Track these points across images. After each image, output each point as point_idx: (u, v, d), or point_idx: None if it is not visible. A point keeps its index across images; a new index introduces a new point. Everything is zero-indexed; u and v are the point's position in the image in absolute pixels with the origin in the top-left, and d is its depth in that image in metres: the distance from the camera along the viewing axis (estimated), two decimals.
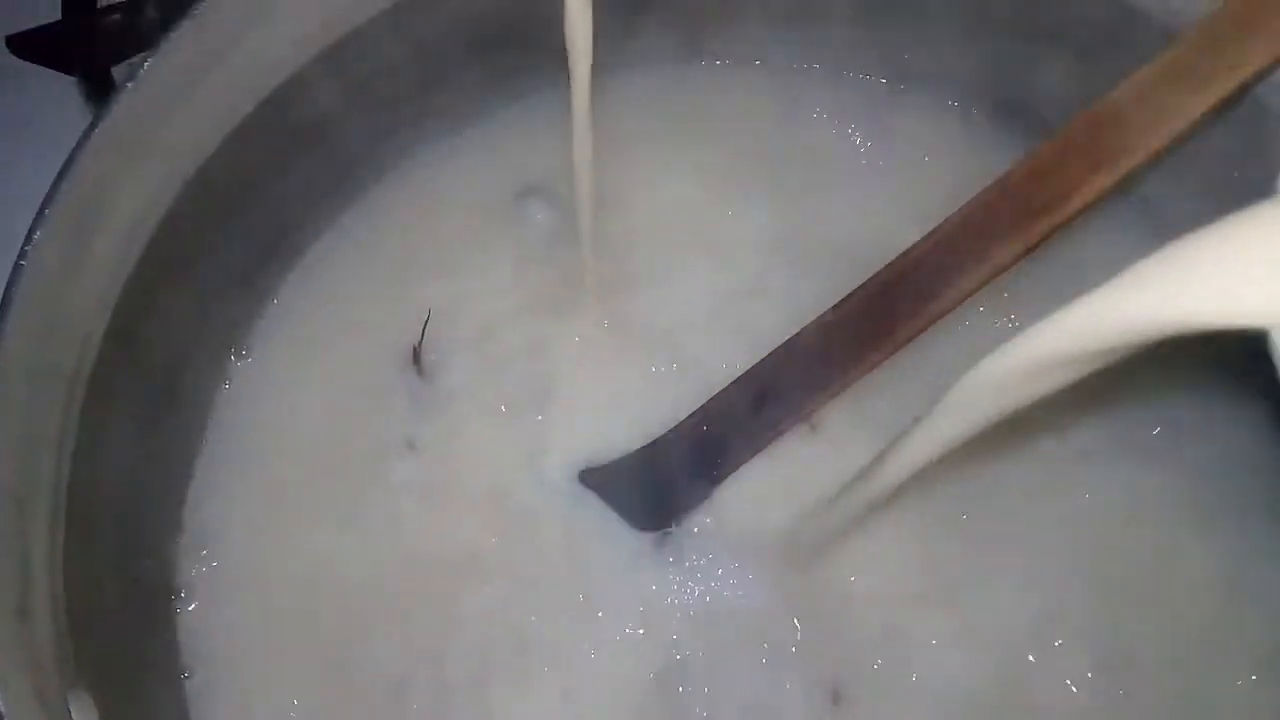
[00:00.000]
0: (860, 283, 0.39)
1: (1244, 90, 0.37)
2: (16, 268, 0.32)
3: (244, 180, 0.41)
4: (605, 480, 0.42)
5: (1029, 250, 0.37)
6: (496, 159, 0.48)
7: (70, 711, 0.31)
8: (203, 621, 0.41)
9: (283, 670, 0.40)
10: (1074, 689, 0.39)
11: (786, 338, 0.40)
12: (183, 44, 0.36)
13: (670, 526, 0.42)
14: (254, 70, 0.39)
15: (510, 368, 0.45)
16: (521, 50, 0.45)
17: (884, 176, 0.47)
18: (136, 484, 0.39)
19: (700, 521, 0.42)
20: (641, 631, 0.41)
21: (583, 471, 0.43)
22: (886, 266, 0.39)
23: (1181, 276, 0.24)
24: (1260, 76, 0.37)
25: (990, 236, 0.38)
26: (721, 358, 0.43)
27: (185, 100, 0.37)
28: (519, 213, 0.48)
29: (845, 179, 0.47)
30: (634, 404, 0.43)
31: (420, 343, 0.45)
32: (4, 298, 0.32)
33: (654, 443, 0.42)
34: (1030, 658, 0.40)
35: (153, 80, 0.36)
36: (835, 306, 0.40)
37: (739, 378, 0.41)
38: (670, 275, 0.46)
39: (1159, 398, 0.43)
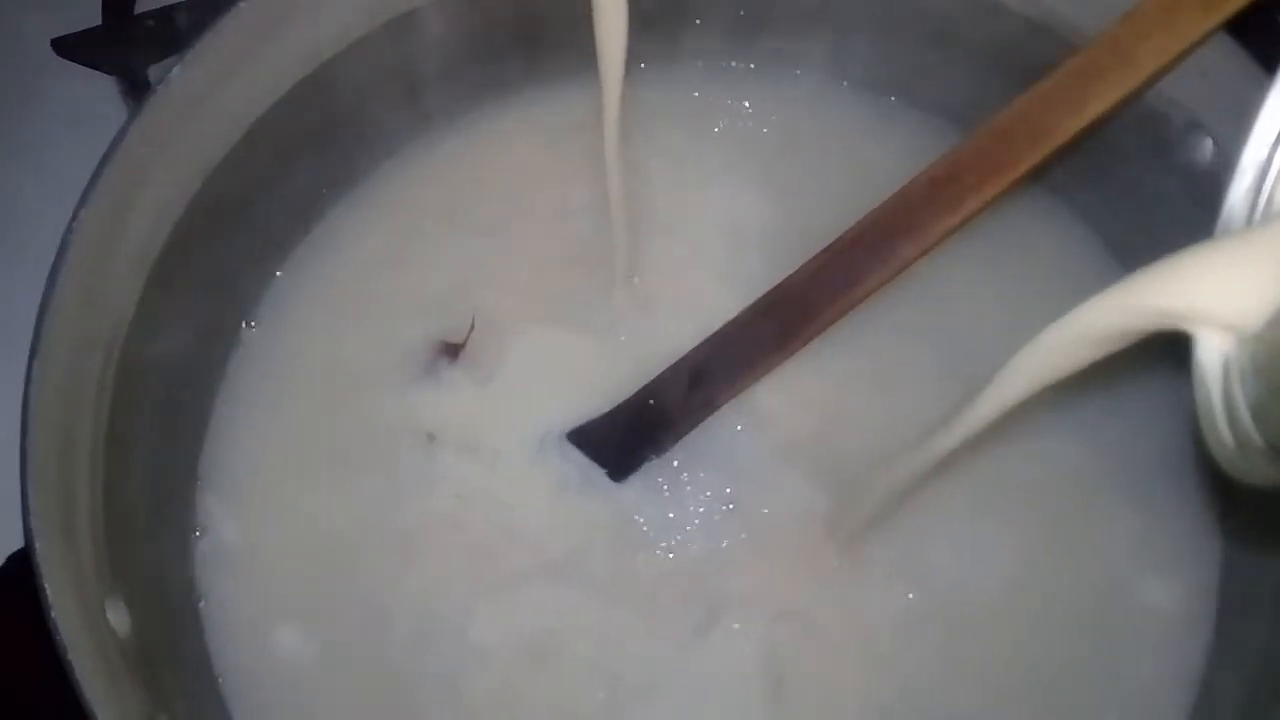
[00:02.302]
0: None
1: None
2: (63, 243, 0.38)
3: (261, 172, 0.47)
4: (583, 438, 0.48)
5: (927, 250, 0.43)
6: (531, 136, 0.53)
7: (108, 617, 0.37)
8: (215, 554, 0.46)
9: (284, 600, 0.45)
10: None
11: None
12: (209, 51, 0.42)
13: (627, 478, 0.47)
14: (274, 73, 0.45)
15: (525, 338, 0.50)
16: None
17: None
18: (162, 432, 0.45)
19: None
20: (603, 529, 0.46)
21: (569, 431, 0.48)
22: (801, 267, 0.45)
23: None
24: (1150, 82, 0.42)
25: (901, 233, 0.44)
26: None
27: (211, 101, 0.43)
28: (548, 192, 0.52)
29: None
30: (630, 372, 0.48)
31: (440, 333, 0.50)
32: (52, 269, 0.38)
33: (611, 411, 0.47)
34: None
35: (182, 81, 0.41)
36: (757, 300, 0.46)
37: (676, 361, 0.46)
38: (693, 268, 0.51)
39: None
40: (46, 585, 0.33)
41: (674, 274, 0.51)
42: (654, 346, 0.48)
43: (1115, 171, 0.49)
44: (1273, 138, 0.32)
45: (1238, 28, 0.42)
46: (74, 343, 0.39)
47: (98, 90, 0.56)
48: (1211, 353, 0.29)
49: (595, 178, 0.47)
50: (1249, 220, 0.33)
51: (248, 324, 0.50)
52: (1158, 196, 0.48)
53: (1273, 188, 0.32)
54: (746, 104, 0.54)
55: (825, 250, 0.45)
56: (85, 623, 0.34)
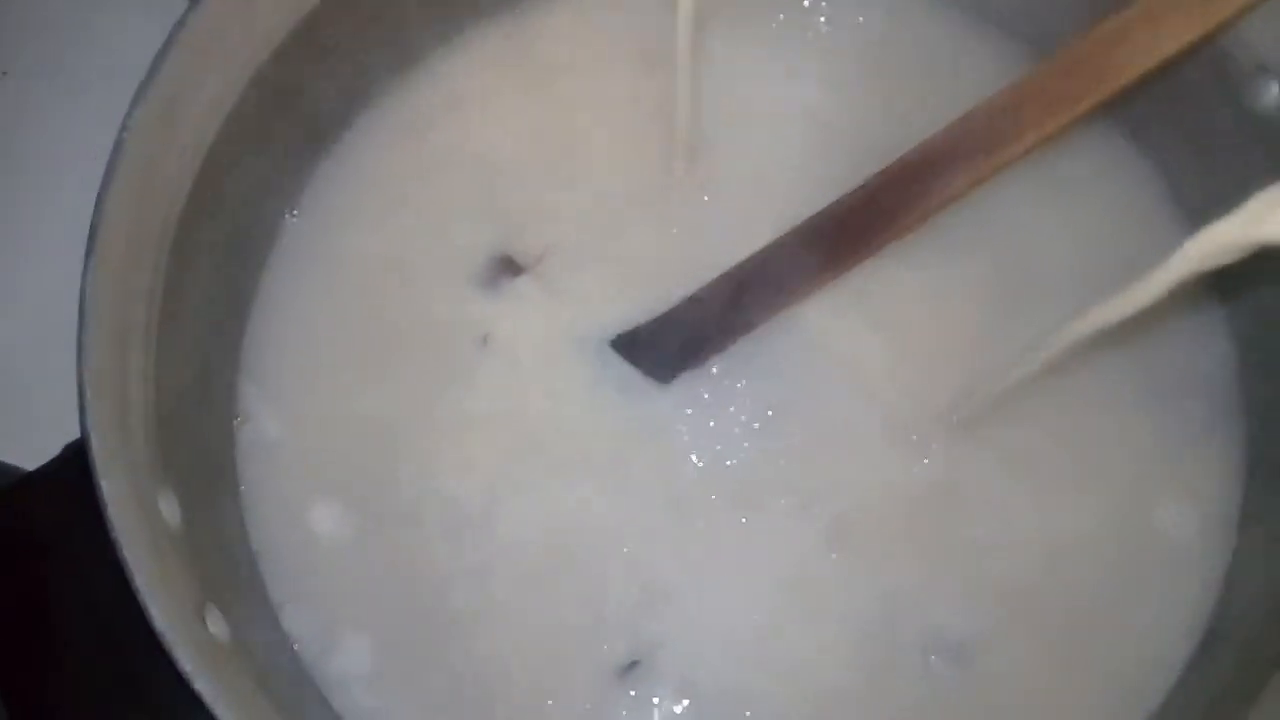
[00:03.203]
0: None
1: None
2: (118, 140, 0.38)
3: (315, 58, 0.47)
4: (627, 345, 0.48)
5: (981, 181, 0.43)
6: (597, 21, 0.53)
7: (160, 506, 0.38)
8: (256, 440, 0.47)
9: (321, 485, 0.47)
10: None
11: None
12: None
13: (670, 382, 0.48)
14: None
15: (584, 240, 0.50)
16: None
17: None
18: (208, 325, 0.45)
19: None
20: (652, 443, 0.47)
21: (614, 338, 0.48)
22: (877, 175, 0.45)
23: None
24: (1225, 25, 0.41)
25: (958, 161, 0.43)
26: None
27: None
28: (612, 81, 0.52)
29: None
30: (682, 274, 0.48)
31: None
32: (108, 165, 0.38)
33: (653, 322, 0.48)
34: None
35: None
36: (805, 221, 0.45)
37: (719, 276, 0.46)
38: (755, 168, 0.51)
39: None
40: (104, 482, 0.34)
41: (735, 173, 0.51)
42: (710, 250, 0.48)
43: (1180, 109, 0.48)
44: None
45: None
46: (128, 239, 0.39)
47: None
48: None
49: (662, 68, 0.46)
50: None
51: (290, 212, 0.51)
52: (1221, 137, 0.47)
53: None
54: (824, 3, 0.53)
55: (879, 174, 0.45)
56: (140, 517, 0.36)
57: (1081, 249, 0.50)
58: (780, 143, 0.51)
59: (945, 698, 0.43)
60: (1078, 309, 0.46)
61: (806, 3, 0.53)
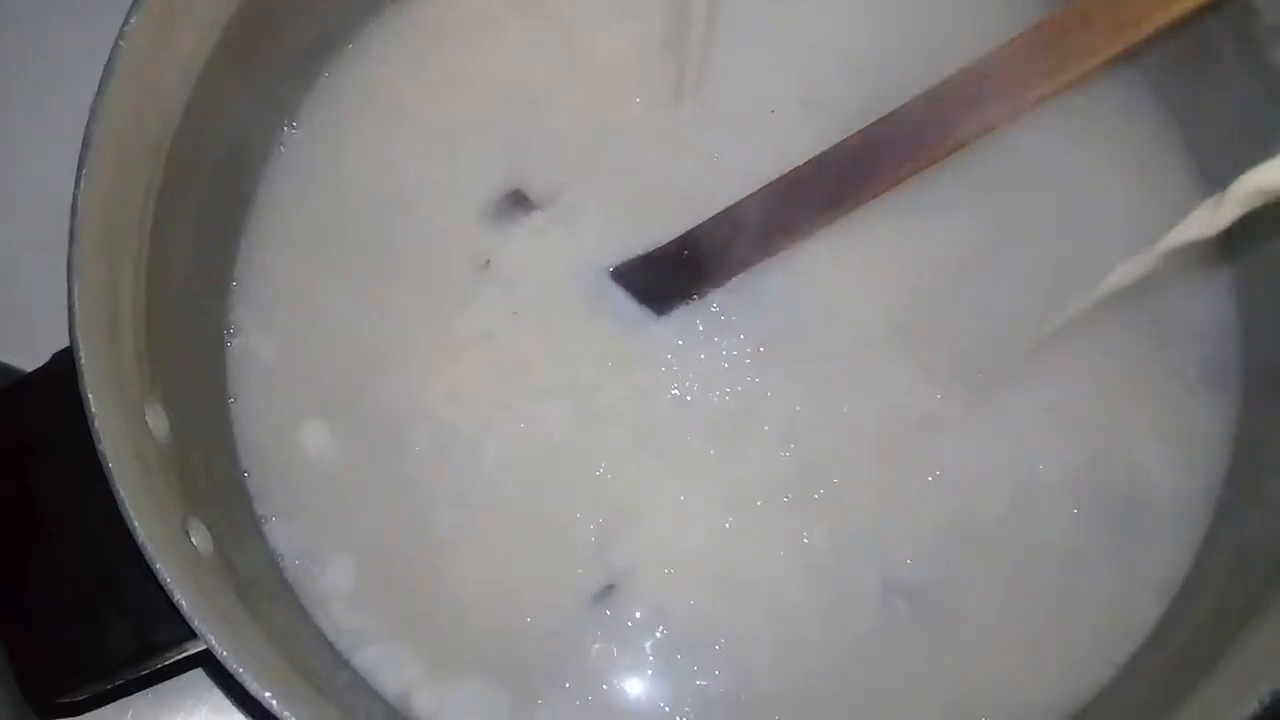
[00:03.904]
0: None
1: None
2: (113, 50, 0.38)
3: None
4: (625, 276, 0.48)
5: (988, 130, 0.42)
6: None
7: (146, 419, 0.38)
8: (247, 355, 0.47)
9: (311, 401, 0.47)
10: None
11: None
12: None
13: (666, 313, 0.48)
14: None
15: (590, 166, 0.49)
16: None
17: None
18: (201, 233, 0.45)
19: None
20: (640, 372, 0.47)
21: (614, 268, 0.48)
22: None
23: None
24: None
25: (966, 104, 0.43)
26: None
27: None
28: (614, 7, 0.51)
29: None
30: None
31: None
32: (103, 73, 0.38)
33: (651, 253, 0.48)
34: None
35: None
36: (814, 158, 0.45)
37: (719, 212, 0.46)
38: (767, 90, 0.50)
39: None
40: (90, 394, 0.35)
41: (745, 106, 0.50)
42: (716, 183, 0.48)
43: (1199, 61, 0.47)
44: None
45: None
46: (121, 151, 0.39)
47: None
48: None
49: None
50: None
51: (289, 125, 0.50)
52: (1238, 91, 0.46)
53: None
54: None
55: (888, 115, 0.44)
56: (126, 429, 0.36)
57: (1091, 197, 0.49)
58: (793, 77, 0.50)
59: (904, 635, 0.44)
60: (1084, 258, 0.46)
61: None
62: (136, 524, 0.33)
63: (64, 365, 0.37)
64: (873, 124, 0.45)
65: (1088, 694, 0.43)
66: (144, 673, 0.37)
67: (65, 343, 0.37)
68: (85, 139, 0.37)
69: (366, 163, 0.50)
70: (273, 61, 0.47)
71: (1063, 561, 0.44)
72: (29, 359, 0.43)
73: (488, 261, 0.48)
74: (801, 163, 0.45)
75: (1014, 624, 0.44)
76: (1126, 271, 0.39)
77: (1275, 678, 0.33)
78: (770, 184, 0.46)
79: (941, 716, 0.44)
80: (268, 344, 0.48)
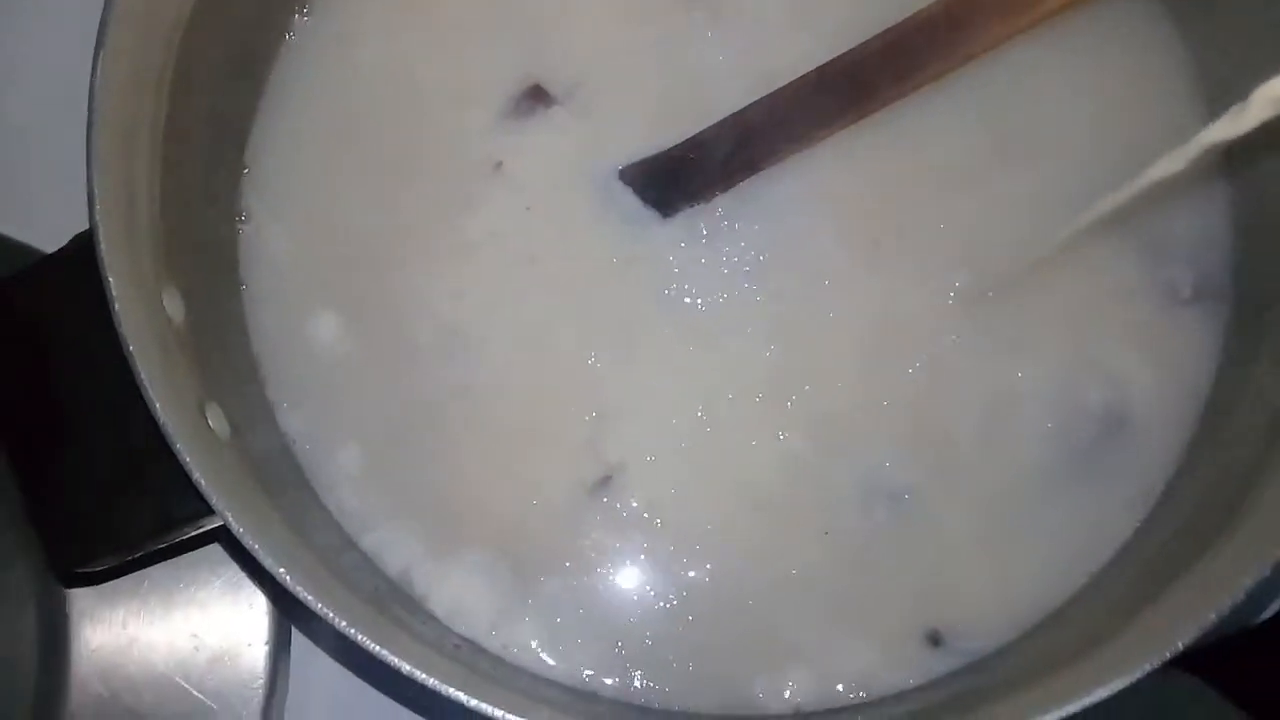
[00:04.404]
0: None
1: None
2: None
3: None
4: (633, 177, 0.49)
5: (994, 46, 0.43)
6: None
7: (164, 302, 0.39)
8: (257, 241, 0.48)
9: (320, 291, 0.48)
10: None
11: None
12: None
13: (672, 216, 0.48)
14: None
15: (603, 66, 0.49)
16: None
17: None
18: (214, 120, 0.46)
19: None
20: (640, 272, 0.48)
21: (621, 169, 0.49)
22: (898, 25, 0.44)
23: None
24: None
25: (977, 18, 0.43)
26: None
27: None
28: None
29: None
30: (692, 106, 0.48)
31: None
32: None
33: (657, 156, 0.48)
34: None
35: None
36: (823, 65, 0.45)
37: (725, 117, 0.46)
38: None
39: None
40: (110, 277, 0.35)
41: (763, 8, 0.50)
42: (729, 86, 0.48)
43: None
44: None
45: None
46: (136, 36, 0.39)
47: None
48: None
49: None
50: None
51: (301, 11, 0.50)
52: (1251, 12, 0.46)
53: None
54: None
55: (899, 24, 0.44)
56: (145, 313, 0.37)
57: (1097, 115, 0.49)
58: None
59: (881, 535, 0.46)
60: (1082, 175, 0.47)
61: None
62: (157, 405, 0.35)
63: (83, 248, 0.37)
64: (880, 34, 0.45)
65: (1061, 598, 0.45)
66: (163, 545, 0.39)
67: (81, 223, 0.37)
68: (101, 22, 0.37)
69: (379, 55, 0.50)
70: None
71: (1041, 471, 0.46)
72: (47, 238, 0.44)
73: (500, 163, 0.49)
74: (809, 69, 0.46)
75: (990, 529, 0.45)
76: (1141, 181, 0.38)
77: (1235, 591, 0.35)
78: (777, 90, 0.46)
79: (912, 609, 0.46)
80: (278, 233, 0.48)
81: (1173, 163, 0.37)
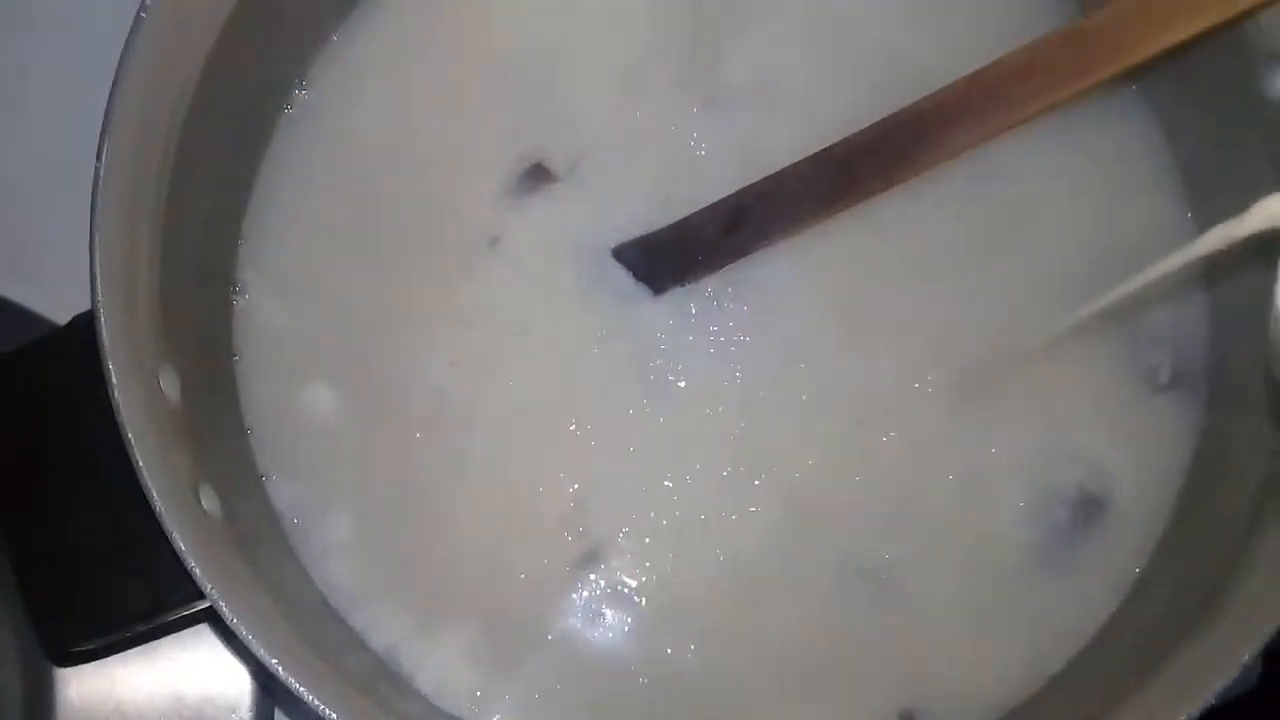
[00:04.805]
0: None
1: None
2: (136, 19, 0.39)
3: None
4: (626, 255, 0.50)
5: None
6: None
7: (160, 382, 0.40)
8: (251, 313, 0.49)
9: (312, 362, 0.48)
10: None
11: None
12: None
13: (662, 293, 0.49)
14: None
15: (604, 143, 0.50)
16: None
17: None
18: (214, 198, 0.46)
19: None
20: (630, 349, 0.49)
21: (615, 247, 0.50)
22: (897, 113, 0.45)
23: None
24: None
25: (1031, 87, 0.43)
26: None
27: None
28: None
29: None
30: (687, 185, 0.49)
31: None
32: (124, 48, 0.39)
33: (649, 236, 0.49)
34: None
35: None
36: (813, 155, 0.46)
37: (716, 201, 0.47)
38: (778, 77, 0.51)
39: None
40: (110, 364, 0.36)
41: (756, 92, 0.51)
42: (722, 168, 0.49)
43: (1195, 84, 0.48)
44: None
45: None
46: (142, 118, 0.40)
47: None
48: None
49: None
50: None
51: (299, 85, 0.51)
52: (1230, 116, 0.47)
53: None
54: None
55: (888, 118, 0.45)
56: (143, 397, 0.37)
57: (1078, 208, 0.50)
58: (804, 66, 0.51)
59: (860, 611, 0.46)
60: (1065, 265, 0.48)
61: None
62: (154, 494, 0.35)
63: (83, 328, 0.38)
64: (870, 126, 0.46)
65: (1038, 681, 0.45)
66: (153, 627, 0.39)
67: (86, 296, 0.38)
68: (108, 109, 0.38)
69: (377, 130, 0.51)
70: (284, 23, 0.48)
71: (1019, 552, 0.47)
72: (54, 306, 0.48)
73: (497, 237, 0.50)
74: (802, 157, 0.47)
75: (968, 609, 0.46)
76: (1128, 286, 0.39)
77: (1206, 692, 0.36)
78: (767, 177, 0.47)
79: (888, 688, 0.46)
80: (272, 304, 0.49)
81: (1162, 268, 0.38)
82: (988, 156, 0.48)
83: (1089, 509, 0.47)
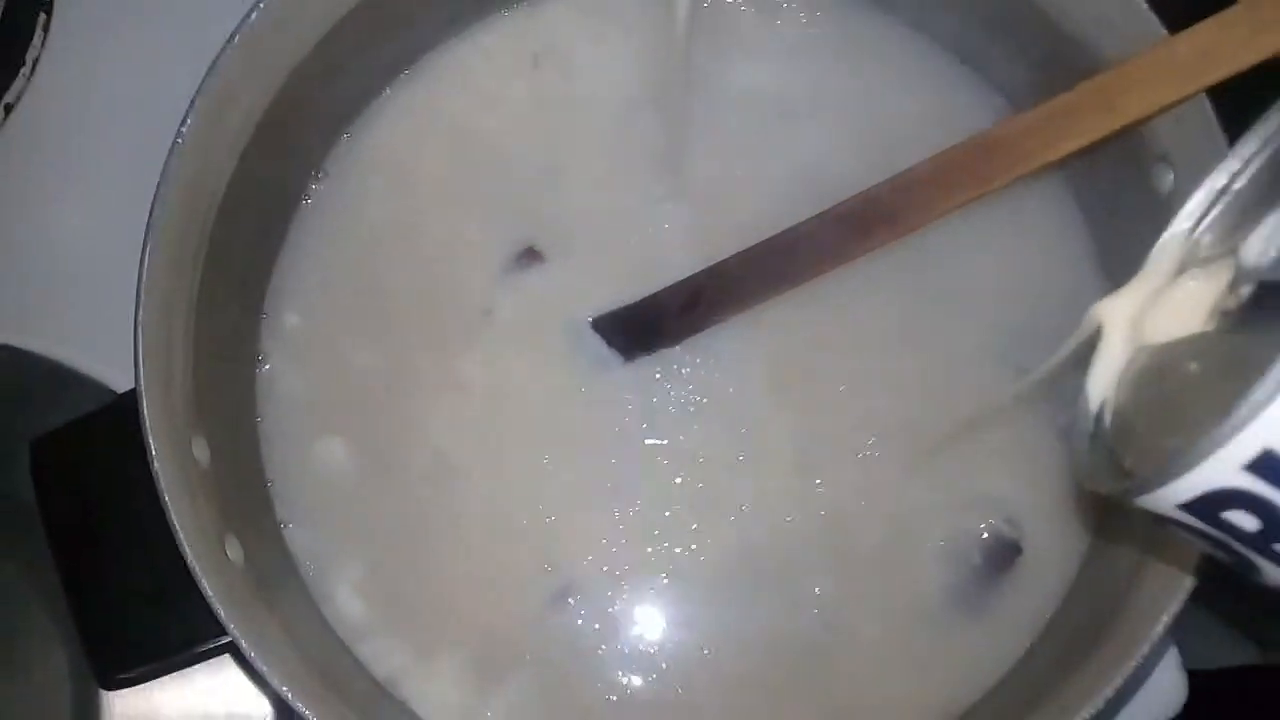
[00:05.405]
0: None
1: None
2: (173, 145, 0.46)
3: (341, 53, 0.53)
4: (601, 326, 0.56)
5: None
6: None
7: (192, 448, 0.47)
8: (273, 379, 0.55)
9: (327, 422, 0.55)
10: None
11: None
12: None
13: (633, 359, 0.56)
14: None
15: (587, 227, 0.57)
16: None
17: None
18: (240, 281, 0.53)
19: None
20: (601, 411, 0.55)
21: (593, 319, 0.56)
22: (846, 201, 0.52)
23: None
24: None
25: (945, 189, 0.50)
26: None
27: None
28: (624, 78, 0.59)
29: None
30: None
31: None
32: (164, 167, 0.46)
33: (619, 310, 0.55)
34: None
35: None
36: (763, 241, 0.53)
37: (678, 281, 0.54)
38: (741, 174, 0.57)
39: None
40: (151, 438, 0.43)
41: (720, 183, 0.58)
42: (693, 248, 0.55)
43: (1105, 177, 0.54)
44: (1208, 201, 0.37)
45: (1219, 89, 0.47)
46: (180, 222, 0.47)
47: None
48: (1108, 353, 0.36)
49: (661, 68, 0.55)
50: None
51: (316, 177, 0.58)
52: (1131, 207, 0.53)
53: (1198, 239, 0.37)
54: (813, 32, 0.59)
55: (837, 206, 0.52)
56: (177, 464, 0.44)
57: (1006, 287, 0.56)
58: (756, 171, 0.58)
59: (812, 648, 0.53)
60: (997, 340, 0.54)
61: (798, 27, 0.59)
62: (185, 546, 0.42)
63: (128, 403, 0.45)
64: (816, 215, 0.52)
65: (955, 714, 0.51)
66: (186, 656, 0.47)
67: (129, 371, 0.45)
68: (149, 222, 0.45)
69: (386, 216, 0.57)
70: (303, 128, 0.55)
71: (935, 596, 0.53)
72: (120, 374, 0.56)
73: (490, 310, 0.56)
74: (749, 245, 0.53)
75: (882, 647, 0.52)
76: (1049, 365, 0.43)
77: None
78: (721, 261, 0.53)
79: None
80: (291, 372, 0.56)
81: (1062, 353, 0.43)
82: (919, 238, 0.54)
83: (1004, 555, 0.53)
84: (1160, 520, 0.31)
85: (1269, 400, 0.25)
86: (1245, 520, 0.28)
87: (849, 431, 0.54)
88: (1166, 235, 0.37)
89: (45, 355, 0.61)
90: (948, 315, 0.56)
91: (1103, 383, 0.35)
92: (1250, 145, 0.35)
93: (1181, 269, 0.35)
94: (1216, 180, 0.36)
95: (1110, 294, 0.37)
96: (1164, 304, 0.34)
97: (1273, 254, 0.32)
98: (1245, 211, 0.35)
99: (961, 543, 0.53)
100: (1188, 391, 0.27)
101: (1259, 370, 0.25)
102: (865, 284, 0.55)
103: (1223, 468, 0.27)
